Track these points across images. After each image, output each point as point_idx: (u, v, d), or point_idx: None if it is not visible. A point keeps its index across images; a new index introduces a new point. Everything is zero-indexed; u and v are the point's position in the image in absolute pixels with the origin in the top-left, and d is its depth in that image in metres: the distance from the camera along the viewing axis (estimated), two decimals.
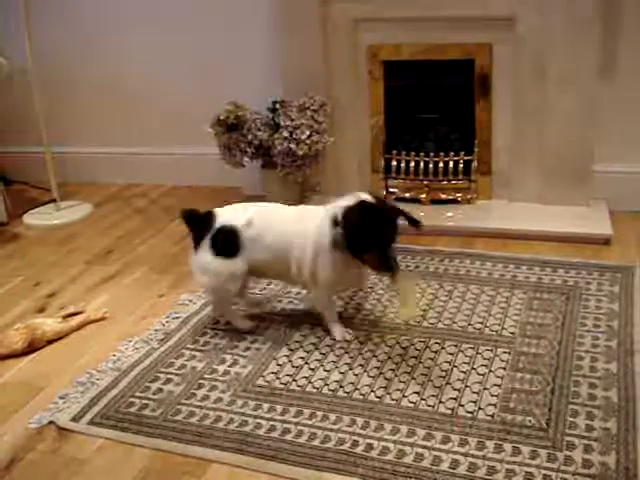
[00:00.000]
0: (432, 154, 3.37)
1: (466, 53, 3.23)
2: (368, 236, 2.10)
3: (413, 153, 3.40)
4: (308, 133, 3.21)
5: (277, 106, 3.34)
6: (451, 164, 3.33)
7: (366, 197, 2.18)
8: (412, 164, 3.39)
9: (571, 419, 1.89)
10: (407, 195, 3.43)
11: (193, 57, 3.80)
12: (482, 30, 3.18)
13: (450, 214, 3.28)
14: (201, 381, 2.18)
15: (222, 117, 3.31)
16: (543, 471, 1.71)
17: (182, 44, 3.80)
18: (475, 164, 3.30)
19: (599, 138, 3.15)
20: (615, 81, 3.15)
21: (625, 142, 3.21)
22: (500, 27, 3.13)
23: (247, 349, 2.34)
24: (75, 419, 2.04)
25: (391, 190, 3.45)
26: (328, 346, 2.31)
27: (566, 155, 3.16)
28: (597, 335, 2.28)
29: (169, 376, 2.22)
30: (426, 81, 3.39)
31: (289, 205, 2.51)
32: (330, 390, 2.08)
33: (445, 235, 3.12)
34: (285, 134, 3.22)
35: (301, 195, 3.52)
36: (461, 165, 3.33)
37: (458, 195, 3.36)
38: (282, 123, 3.24)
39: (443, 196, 3.38)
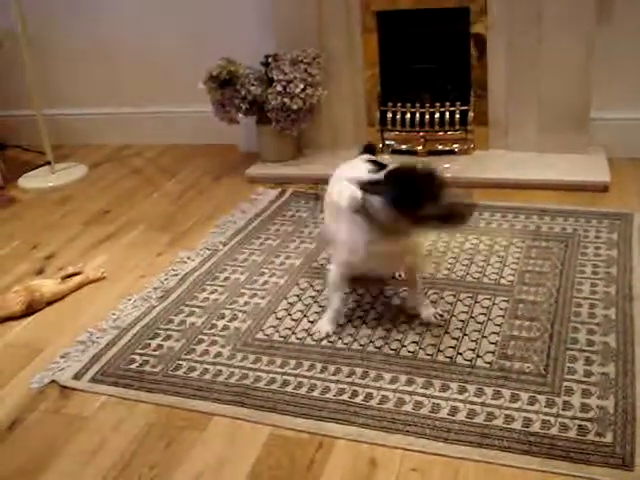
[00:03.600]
0: (428, 105, 3.33)
1: (461, 0, 3.17)
2: (422, 192, 1.84)
3: (409, 104, 3.36)
4: (302, 87, 3.17)
5: (270, 60, 3.30)
6: (447, 115, 3.30)
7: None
8: (408, 115, 3.35)
9: (569, 365, 1.89)
10: (403, 147, 3.40)
11: (184, 13, 3.74)
12: None
13: (447, 165, 3.25)
14: (201, 336, 2.18)
15: (214, 73, 3.26)
16: (542, 416, 1.72)
17: (173, 0, 3.75)
18: (472, 114, 3.27)
19: (597, 84, 3.12)
20: (613, 25, 3.10)
21: (623, 88, 3.17)
22: None
23: (246, 304, 2.34)
24: (77, 377, 2.05)
25: (387, 142, 3.42)
26: (327, 299, 2.31)
27: (564, 102, 3.13)
28: (596, 282, 2.27)
29: (169, 332, 2.22)
30: (421, 31, 3.34)
31: None
32: (329, 342, 2.09)
33: None
34: (279, 88, 3.19)
35: (297, 150, 3.50)
36: (458, 115, 3.29)
37: (455, 146, 3.33)
38: (275, 77, 3.21)
39: (440, 147, 3.36)
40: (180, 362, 2.07)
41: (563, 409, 1.74)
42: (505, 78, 3.20)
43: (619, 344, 1.96)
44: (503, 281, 2.32)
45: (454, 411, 1.77)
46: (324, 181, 2.32)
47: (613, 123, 3.19)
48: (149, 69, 3.95)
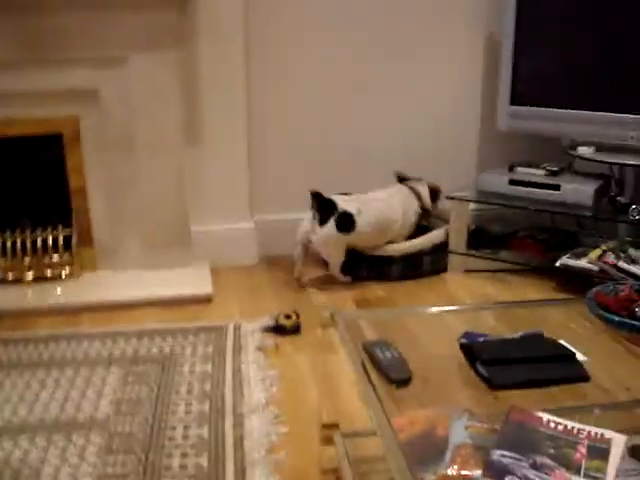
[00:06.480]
0: (29, 231, 3.25)
1: (53, 127, 3.17)
2: None
3: (9, 231, 3.24)
4: None
5: None
6: (50, 239, 3.24)
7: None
8: (9, 243, 3.23)
9: None
10: (10, 276, 3.25)
11: None
12: (68, 103, 3.14)
13: (58, 291, 3.17)
14: None
15: None
16: None
17: None
18: (75, 238, 3.24)
19: (195, 200, 3.30)
20: (202, 144, 3.32)
21: (219, 201, 3.40)
22: (85, 99, 3.13)
23: None
24: None
25: None
26: None
27: (163, 220, 3.25)
28: (190, 401, 2.32)
29: None
30: (15, 156, 3.26)
31: None
32: None
33: (51, 315, 2.98)
34: None
35: None
36: (62, 239, 3.24)
37: (63, 271, 3.26)
38: None
39: (48, 274, 3.26)
40: None
41: None
42: (105, 201, 3.25)
43: (211, 463, 2.00)
44: (99, 415, 2.27)
45: None
46: None
47: (213, 234, 3.39)
48: None
